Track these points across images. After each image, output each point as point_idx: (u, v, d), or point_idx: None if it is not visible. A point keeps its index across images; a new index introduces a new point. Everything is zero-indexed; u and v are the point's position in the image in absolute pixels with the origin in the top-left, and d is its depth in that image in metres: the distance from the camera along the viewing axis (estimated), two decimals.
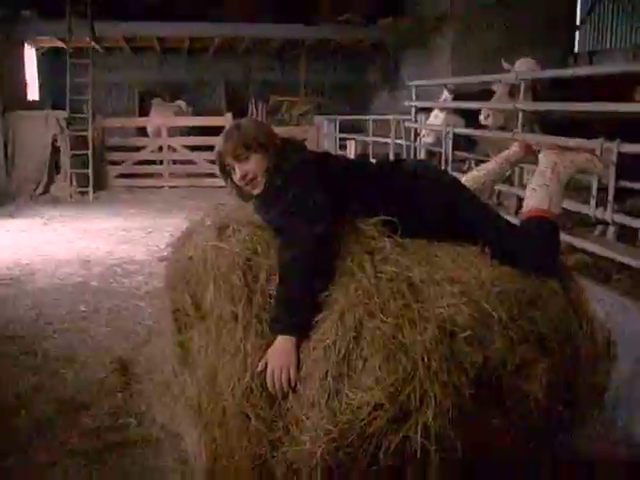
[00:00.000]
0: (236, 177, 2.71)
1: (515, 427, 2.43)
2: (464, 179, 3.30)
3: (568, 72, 7.18)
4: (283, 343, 2.28)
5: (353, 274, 2.40)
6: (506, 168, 3.55)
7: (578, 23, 14.12)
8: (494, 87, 6.93)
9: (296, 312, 2.32)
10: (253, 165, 2.67)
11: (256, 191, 2.71)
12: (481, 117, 6.70)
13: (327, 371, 2.21)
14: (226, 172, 2.79)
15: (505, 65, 6.68)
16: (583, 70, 7.77)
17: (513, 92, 6.40)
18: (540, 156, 3.14)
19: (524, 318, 2.43)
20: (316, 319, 2.31)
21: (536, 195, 2.91)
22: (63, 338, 5.01)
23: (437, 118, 8.10)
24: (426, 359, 2.19)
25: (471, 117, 7.30)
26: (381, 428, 2.16)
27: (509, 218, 3.20)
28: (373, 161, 3.30)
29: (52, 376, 4.30)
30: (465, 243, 2.68)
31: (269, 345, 2.32)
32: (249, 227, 2.66)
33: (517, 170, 6.12)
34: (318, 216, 2.44)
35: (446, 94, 8.23)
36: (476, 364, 2.27)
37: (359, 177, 2.78)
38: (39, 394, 4.04)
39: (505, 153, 3.55)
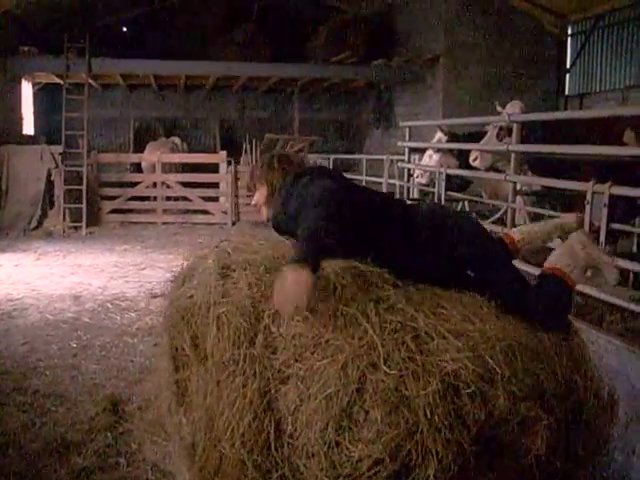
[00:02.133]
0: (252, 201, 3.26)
1: (516, 478, 2.40)
2: (519, 229, 3.41)
3: (561, 115, 7.30)
4: (297, 271, 2.26)
5: (358, 322, 2.36)
6: (556, 234, 3.54)
7: (568, 66, 14.34)
8: (487, 128, 7.03)
9: (314, 251, 2.36)
10: (257, 196, 3.20)
11: (264, 218, 3.18)
12: (470, 159, 6.79)
13: (328, 422, 2.17)
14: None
15: (498, 108, 6.78)
16: (575, 114, 7.90)
17: (501, 135, 6.50)
18: (578, 232, 3.19)
19: (527, 374, 2.41)
20: (318, 365, 2.26)
21: (561, 259, 2.97)
22: (54, 375, 4.96)
23: (431, 158, 8.18)
24: (429, 414, 2.15)
25: (465, 158, 7.41)
26: None
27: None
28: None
29: (42, 414, 4.24)
30: (472, 291, 2.70)
31: (269, 392, 2.32)
32: (253, 268, 2.67)
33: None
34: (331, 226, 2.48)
35: (440, 135, 8.32)
36: (479, 420, 2.23)
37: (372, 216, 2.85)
38: (28, 432, 3.98)
39: (559, 221, 3.58)
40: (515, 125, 6.11)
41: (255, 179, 3.20)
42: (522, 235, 3.27)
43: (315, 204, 2.54)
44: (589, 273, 3.40)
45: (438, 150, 8.14)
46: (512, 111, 6.57)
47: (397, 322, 2.39)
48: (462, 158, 7.66)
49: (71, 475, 3.48)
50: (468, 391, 2.24)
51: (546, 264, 2.99)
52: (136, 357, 5.31)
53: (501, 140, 6.46)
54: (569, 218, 3.54)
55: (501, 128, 6.48)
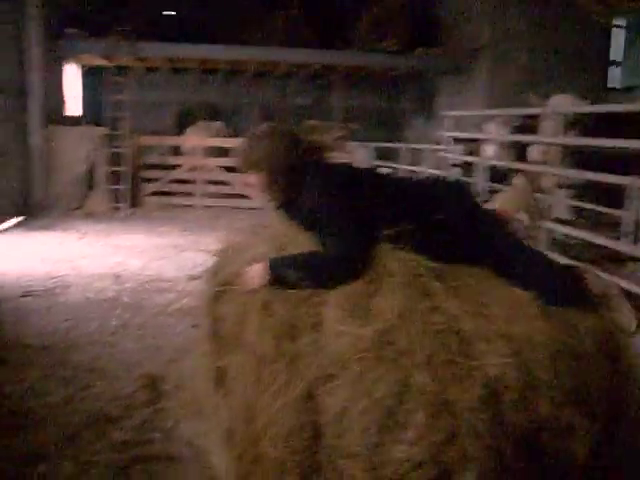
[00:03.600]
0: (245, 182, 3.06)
1: None
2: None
3: (604, 108, 7.19)
4: (261, 265, 2.64)
5: (403, 319, 2.35)
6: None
7: (616, 58, 14.06)
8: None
9: (287, 272, 2.55)
10: (254, 180, 2.92)
11: (271, 202, 3.02)
12: (537, 154, 6.71)
13: (371, 423, 2.18)
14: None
15: (532, 100, 6.70)
16: (618, 107, 7.76)
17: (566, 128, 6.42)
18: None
19: (571, 379, 2.37)
20: (364, 366, 2.26)
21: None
22: (94, 351, 5.08)
23: (490, 150, 8.13)
24: (470, 419, 2.15)
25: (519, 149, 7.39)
26: None
27: None
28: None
29: (82, 389, 4.35)
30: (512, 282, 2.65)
31: (305, 396, 2.33)
32: (295, 247, 2.72)
33: None
34: (356, 238, 2.58)
35: (494, 126, 8.23)
36: (520, 427, 2.22)
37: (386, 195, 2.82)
38: (69, 406, 4.09)
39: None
40: (558, 117, 6.04)
41: (247, 163, 2.90)
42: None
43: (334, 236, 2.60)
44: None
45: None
46: (558, 104, 6.52)
47: (441, 323, 2.36)
48: (520, 151, 7.63)
49: (110, 449, 3.57)
50: (511, 397, 2.23)
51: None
52: (174, 337, 5.40)
53: (565, 133, 6.39)
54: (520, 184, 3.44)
55: (565, 121, 6.40)
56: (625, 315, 2.86)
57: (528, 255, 2.82)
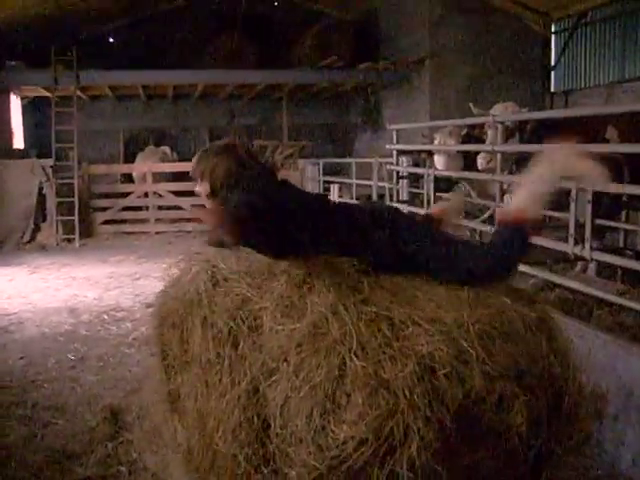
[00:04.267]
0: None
1: (500, 461, 2.50)
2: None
3: (542, 114, 7.40)
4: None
5: (336, 313, 2.47)
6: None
7: (553, 63, 14.48)
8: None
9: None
10: (200, 188, 3.03)
11: (209, 212, 3.03)
12: (481, 162, 6.86)
13: (313, 408, 2.28)
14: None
15: (473, 109, 6.87)
16: (555, 112, 8.01)
17: (507, 134, 6.57)
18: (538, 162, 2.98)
19: (502, 354, 2.50)
20: (302, 357, 2.37)
21: (516, 198, 2.93)
22: (53, 387, 5.02)
23: (439, 160, 8.27)
24: (408, 394, 2.26)
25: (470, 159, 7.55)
26: (367, 463, 2.22)
27: None
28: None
29: (43, 426, 4.30)
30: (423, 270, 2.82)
31: (252, 391, 2.42)
32: (239, 274, 2.77)
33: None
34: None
35: (440, 137, 8.38)
36: (457, 399, 2.34)
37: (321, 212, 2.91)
38: (30, 444, 4.04)
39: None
40: (499, 125, 6.20)
41: (196, 172, 3.05)
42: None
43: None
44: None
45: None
46: (498, 112, 6.69)
47: (373, 312, 2.51)
48: (469, 160, 7.78)
49: None
50: (444, 372, 2.36)
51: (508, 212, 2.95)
52: (133, 367, 5.38)
53: (507, 140, 6.53)
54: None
55: (507, 128, 6.56)
56: (595, 172, 2.89)
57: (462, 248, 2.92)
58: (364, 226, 2.88)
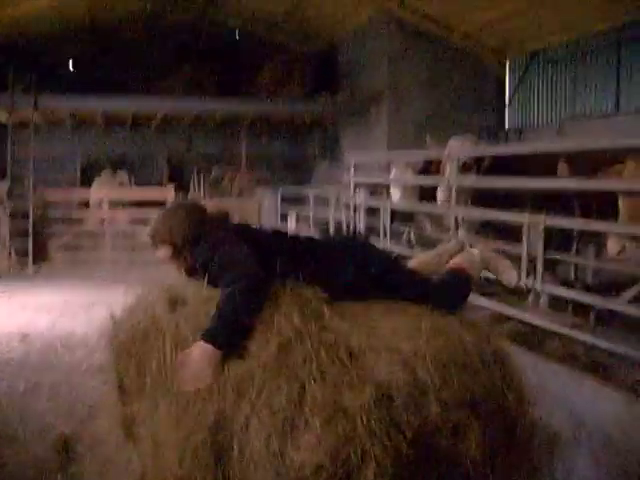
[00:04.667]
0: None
1: None
2: (414, 261, 3.70)
3: (495, 150, 7.58)
4: (204, 349, 2.52)
5: (297, 340, 2.54)
6: (445, 258, 3.78)
7: (507, 100, 14.86)
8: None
9: (228, 330, 2.56)
10: (161, 253, 3.16)
11: (180, 273, 3.17)
12: (440, 197, 7.01)
13: (271, 432, 2.31)
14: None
15: (428, 142, 7.02)
16: (509, 148, 8.20)
17: (465, 168, 6.73)
18: (471, 248, 3.71)
19: (458, 384, 2.57)
20: (263, 379, 2.41)
21: (460, 258, 3.39)
22: (2, 416, 4.91)
23: (395, 193, 8.39)
24: (365, 420, 2.30)
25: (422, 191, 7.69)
26: None
27: None
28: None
29: None
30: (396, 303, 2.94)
31: (214, 412, 2.43)
32: (199, 300, 2.82)
33: None
34: (251, 262, 2.76)
35: (396, 170, 8.51)
36: (414, 426, 2.39)
37: (281, 249, 3.06)
38: None
39: (444, 247, 3.89)
40: (454, 160, 6.34)
41: (155, 237, 3.16)
42: (419, 264, 3.58)
43: (229, 275, 2.71)
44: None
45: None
46: (454, 145, 6.84)
47: (332, 339, 2.58)
48: (425, 192, 7.92)
49: None
50: (401, 400, 2.42)
51: (449, 265, 3.37)
52: (86, 395, 5.28)
53: (463, 174, 6.69)
54: (452, 244, 3.87)
55: (465, 163, 6.71)
56: (506, 271, 3.52)
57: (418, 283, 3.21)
58: (328, 253, 3.11)
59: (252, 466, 2.32)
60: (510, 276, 3.53)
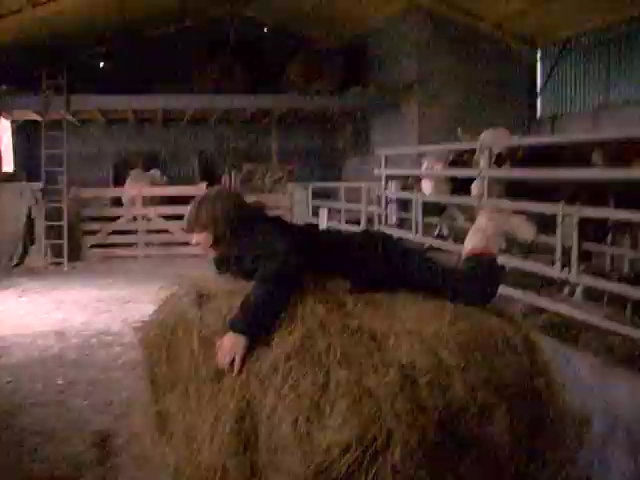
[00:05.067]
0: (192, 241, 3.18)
1: (483, 471, 2.53)
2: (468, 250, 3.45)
3: (530, 140, 7.49)
4: (235, 338, 2.58)
5: (322, 324, 2.57)
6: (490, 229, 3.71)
7: (539, 89, 14.67)
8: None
9: (257, 319, 2.62)
10: (200, 239, 3.13)
11: (211, 255, 3.20)
12: (475, 191, 6.94)
13: (298, 415, 2.34)
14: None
15: (460, 134, 6.94)
16: (544, 139, 8.09)
17: (499, 161, 6.66)
18: (478, 216, 3.52)
19: (483, 366, 2.56)
20: (289, 367, 2.44)
21: (473, 240, 3.24)
22: (40, 412, 5.00)
23: (427, 185, 8.34)
24: (390, 402, 2.32)
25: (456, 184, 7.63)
26: (352, 469, 2.26)
27: None
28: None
29: (30, 452, 4.29)
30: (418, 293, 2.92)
31: (241, 401, 2.47)
32: (225, 294, 2.86)
33: None
34: (290, 251, 2.78)
35: (428, 162, 8.44)
36: (439, 407, 2.40)
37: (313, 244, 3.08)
38: (18, 470, 4.02)
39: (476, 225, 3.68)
40: (486, 151, 6.27)
41: (196, 223, 3.11)
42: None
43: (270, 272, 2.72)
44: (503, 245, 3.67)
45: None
46: (488, 137, 6.77)
47: (356, 325, 2.61)
48: (456, 185, 7.85)
49: None
50: (425, 380, 2.43)
51: (463, 251, 3.26)
52: (122, 391, 5.36)
53: (500, 166, 6.62)
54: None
55: (499, 154, 6.64)
56: (522, 227, 3.47)
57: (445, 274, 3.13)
58: (354, 247, 3.12)
59: (280, 450, 2.34)
60: (527, 231, 3.48)
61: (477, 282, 3.03)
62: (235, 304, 2.70)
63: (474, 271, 3.09)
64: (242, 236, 3.00)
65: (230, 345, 2.56)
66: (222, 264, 3.26)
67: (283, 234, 2.94)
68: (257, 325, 2.61)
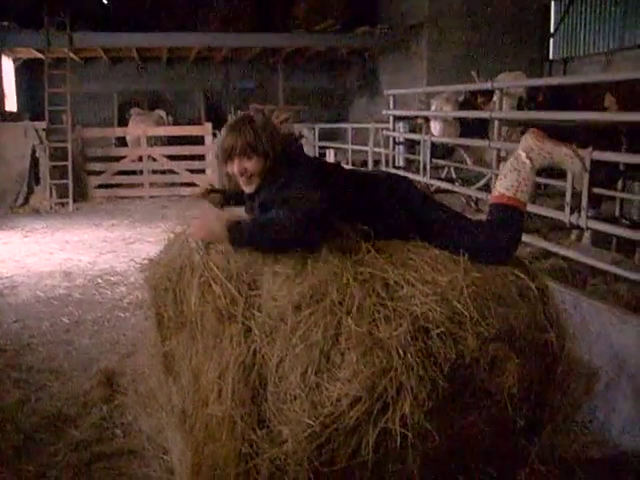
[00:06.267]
0: (234, 169, 2.83)
1: (492, 422, 2.54)
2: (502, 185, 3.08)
3: (540, 82, 7.34)
4: (221, 232, 2.56)
5: (335, 274, 2.50)
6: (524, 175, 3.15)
7: (552, 31, 14.35)
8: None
9: (252, 238, 2.55)
10: (253, 165, 2.79)
11: (248, 189, 2.87)
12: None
13: (308, 365, 2.31)
14: (224, 161, 2.88)
15: (476, 78, 6.79)
16: (555, 80, 7.92)
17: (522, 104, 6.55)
18: (522, 138, 3.07)
19: (496, 317, 2.51)
20: (299, 317, 2.39)
21: (505, 181, 2.93)
22: (47, 351, 5.03)
23: (435, 126, 8.21)
24: (401, 353, 2.29)
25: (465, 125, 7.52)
26: (361, 421, 2.25)
27: None
28: (351, 169, 3.39)
29: (37, 389, 4.32)
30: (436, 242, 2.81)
31: (247, 351, 2.43)
32: None
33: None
34: (318, 203, 2.57)
35: (438, 102, 8.30)
36: (450, 359, 2.37)
37: (346, 186, 2.88)
38: (25, 407, 4.06)
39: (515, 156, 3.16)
40: (498, 92, 6.14)
41: (256, 148, 2.77)
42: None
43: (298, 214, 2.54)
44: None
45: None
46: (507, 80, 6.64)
47: (368, 273, 2.53)
48: (467, 126, 7.73)
49: (69, 448, 3.56)
50: (437, 332, 2.38)
51: (493, 195, 2.98)
52: (128, 331, 5.38)
53: (522, 109, 6.50)
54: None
55: (521, 99, 6.51)
56: (567, 160, 2.97)
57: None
58: (379, 194, 2.89)
59: (289, 400, 2.32)
60: (576, 163, 2.97)
61: (498, 243, 2.81)
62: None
63: (497, 230, 2.85)
64: (284, 172, 2.76)
65: (212, 231, 2.58)
66: (231, 198, 3.12)
67: (321, 185, 2.69)
68: (248, 242, 2.55)
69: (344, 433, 2.25)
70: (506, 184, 2.90)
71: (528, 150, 2.96)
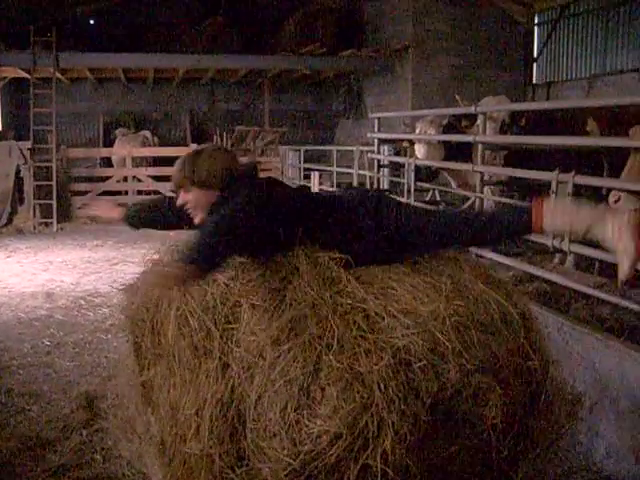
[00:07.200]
0: (178, 201, 2.90)
1: (475, 452, 2.51)
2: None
3: (525, 106, 7.41)
4: (172, 266, 2.36)
5: (314, 306, 2.45)
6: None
7: (535, 55, 14.52)
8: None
9: (201, 257, 2.37)
10: (192, 197, 2.84)
11: (195, 220, 2.87)
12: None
13: (287, 402, 2.27)
14: (174, 193, 2.97)
15: (460, 102, 6.85)
16: (540, 104, 8.01)
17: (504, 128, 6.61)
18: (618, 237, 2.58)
19: (479, 347, 2.48)
20: (277, 352, 2.34)
21: (621, 267, 2.59)
22: (27, 373, 4.97)
23: (420, 150, 8.24)
24: (383, 387, 2.25)
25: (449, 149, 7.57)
26: (342, 458, 2.20)
27: None
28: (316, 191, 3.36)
29: (16, 413, 4.26)
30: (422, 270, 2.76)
31: (225, 388, 2.39)
32: None
33: None
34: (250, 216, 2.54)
35: (422, 126, 8.34)
36: (432, 392, 2.33)
37: (307, 209, 2.83)
38: (3, 431, 4.00)
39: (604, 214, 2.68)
40: (481, 116, 6.19)
41: (193, 179, 2.79)
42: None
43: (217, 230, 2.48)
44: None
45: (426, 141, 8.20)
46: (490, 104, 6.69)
47: (347, 304, 2.49)
48: (451, 149, 7.76)
49: (47, 473, 3.51)
50: (419, 365, 2.35)
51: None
52: (110, 353, 5.33)
53: (505, 133, 6.55)
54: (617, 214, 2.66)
55: (503, 123, 6.57)
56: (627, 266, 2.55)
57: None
58: (348, 215, 2.82)
59: (268, 437, 2.28)
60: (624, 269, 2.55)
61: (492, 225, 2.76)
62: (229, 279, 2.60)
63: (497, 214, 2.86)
64: (229, 198, 2.69)
65: (169, 276, 2.29)
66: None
67: (264, 207, 2.63)
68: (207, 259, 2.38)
69: (325, 470, 2.21)
70: (624, 269, 2.57)
71: (621, 228, 2.56)
